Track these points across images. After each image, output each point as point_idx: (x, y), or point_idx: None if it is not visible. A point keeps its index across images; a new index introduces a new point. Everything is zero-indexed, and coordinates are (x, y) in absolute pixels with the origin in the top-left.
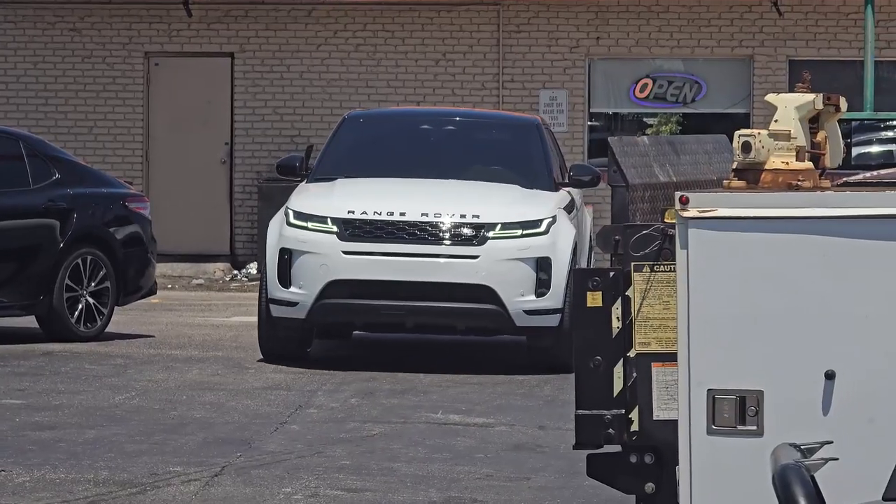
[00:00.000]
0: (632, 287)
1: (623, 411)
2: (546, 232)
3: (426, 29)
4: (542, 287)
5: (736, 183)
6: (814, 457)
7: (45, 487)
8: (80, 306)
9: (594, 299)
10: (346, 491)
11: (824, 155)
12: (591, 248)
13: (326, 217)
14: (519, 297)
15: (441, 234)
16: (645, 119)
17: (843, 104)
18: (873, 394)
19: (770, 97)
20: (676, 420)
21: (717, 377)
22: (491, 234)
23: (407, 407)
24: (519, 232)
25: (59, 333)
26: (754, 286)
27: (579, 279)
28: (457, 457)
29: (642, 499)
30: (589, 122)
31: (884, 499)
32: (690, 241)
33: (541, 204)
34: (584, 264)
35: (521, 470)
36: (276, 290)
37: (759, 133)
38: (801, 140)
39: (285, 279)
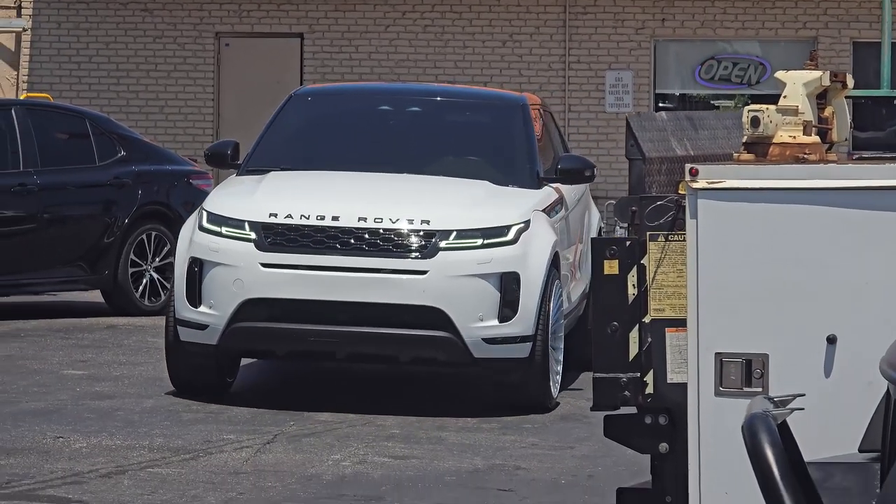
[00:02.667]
0: (647, 256)
1: (638, 374)
2: (514, 241)
3: (493, 10)
4: (507, 309)
5: (745, 156)
6: (784, 408)
7: (101, 453)
8: (144, 281)
9: (611, 267)
10: (392, 458)
11: (831, 129)
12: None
13: (244, 221)
14: (477, 323)
15: (382, 244)
16: (711, 101)
17: (850, 81)
18: (872, 358)
19: (779, 74)
20: (683, 383)
21: (724, 341)
22: (444, 243)
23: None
24: (479, 241)
25: (124, 308)
26: (760, 255)
27: (598, 248)
28: (504, 427)
29: (656, 458)
30: (661, 104)
31: (859, 450)
32: (700, 211)
33: (512, 205)
34: (586, 273)
35: (566, 439)
36: (183, 309)
37: (767, 108)
38: (809, 115)
39: (194, 296)
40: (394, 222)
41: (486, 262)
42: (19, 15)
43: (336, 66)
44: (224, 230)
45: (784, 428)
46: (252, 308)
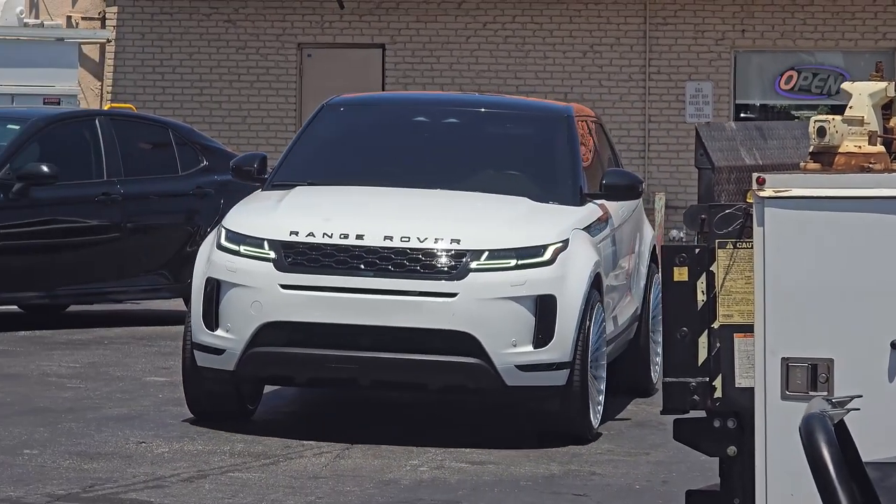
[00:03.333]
0: (716, 263)
1: (707, 379)
2: (551, 261)
3: (574, 21)
4: (542, 335)
5: (811, 165)
6: (841, 408)
7: (182, 458)
8: None
9: (680, 274)
10: (470, 463)
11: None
12: (650, 272)
13: (263, 240)
14: (510, 349)
15: (409, 265)
16: (792, 112)
17: None
18: None
19: (845, 85)
20: (751, 387)
21: (790, 346)
22: (475, 264)
23: None
24: (513, 262)
25: None
26: (825, 261)
27: (668, 255)
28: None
29: (725, 461)
30: (741, 115)
31: None
32: (766, 218)
33: (550, 223)
34: (637, 294)
35: (641, 445)
36: (200, 333)
37: (833, 119)
38: (874, 125)
39: (211, 319)
40: (422, 241)
41: (521, 283)
42: (103, 26)
43: (417, 77)
44: (242, 249)
45: (842, 428)
46: (271, 332)
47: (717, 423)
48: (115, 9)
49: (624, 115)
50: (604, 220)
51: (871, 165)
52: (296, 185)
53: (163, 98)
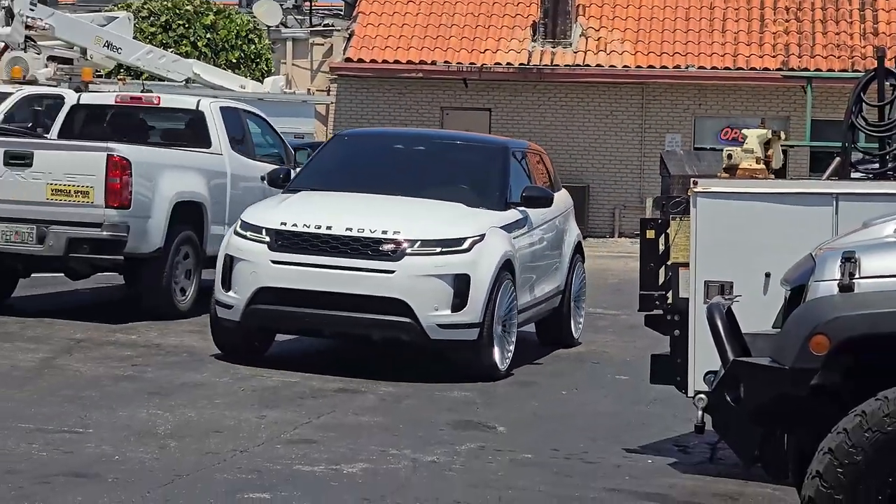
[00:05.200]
0: (670, 228)
1: (664, 292)
2: (468, 250)
3: (595, 101)
4: (458, 302)
5: (723, 175)
6: (729, 301)
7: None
8: None
9: (650, 234)
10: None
11: (770, 161)
12: (574, 257)
13: (262, 228)
14: (433, 312)
15: (361, 249)
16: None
17: (783, 135)
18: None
19: (745, 130)
20: (687, 297)
21: (708, 274)
22: (409, 250)
23: None
24: (438, 249)
25: None
26: (728, 228)
27: (643, 223)
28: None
29: (672, 339)
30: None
31: (772, 327)
32: (698, 204)
33: (472, 223)
34: (561, 275)
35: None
36: (219, 293)
37: (736, 150)
38: (759, 153)
39: (227, 283)
40: (372, 232)
41: (442, 265)
42: (328, 94)
43: (512, 130)
44: (248, 234)
45: (730, 312)
46: (264, 294)
47: (668, 318)
48: (335, 86)
49: (630, 150)
50: (523, 223)
51: (755, 176)
52: (301, 191)
53: None
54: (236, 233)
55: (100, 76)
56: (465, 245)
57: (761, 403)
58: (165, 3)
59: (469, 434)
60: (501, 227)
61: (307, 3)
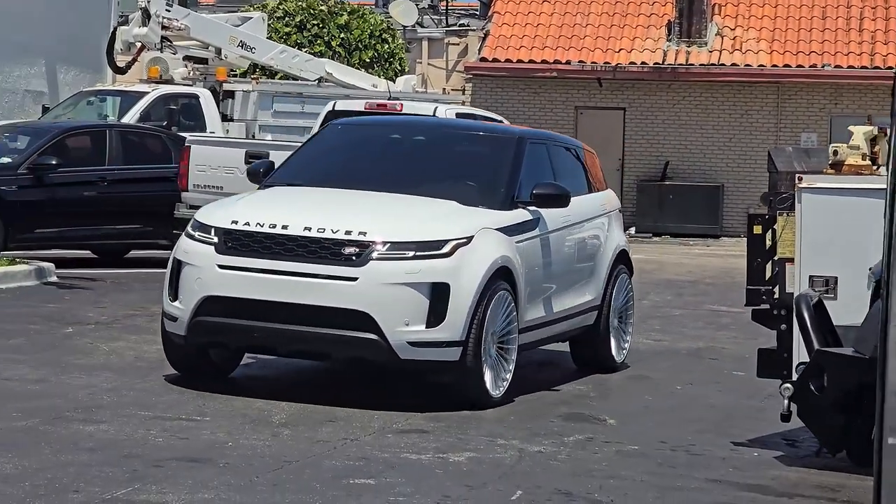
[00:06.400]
0: (777, 223)
1: (770, 287)
2: (449, 254)
3: (730, 100)
4: (435, 316)
5: (829, 171)
6: (817, 294)
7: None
8: None
9: (757, 229)
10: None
11: (877, 157)
12: (616, 268)
13: (211, 227)
14: (402, 327)
15: (320, 252)
16: None
17: (888, 131)
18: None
19: (850, 126)
20: (793, 292)
21: (813, 269)
22: (375, 253)
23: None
24: (411, 253)
25: None
26: (835, 224)
27: (751, 219)
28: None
29: (779, 333)
30: None
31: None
32: (803, 199)
33: (459, 223)
34: (596, 288)
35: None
36: (166, 303)
37: (842, 146)
38: (865, 150)
39: (173, 291)
40: (334, 233)
41: (415, 272)
42: (463, 93)
43: (643, 128)
44: (197, 235)
45: (819, 304)
46: (210, 305)
47: (775, 312)
48: (470, 85)
49: (764, 150)
50: (531, 224)
51: (861, 172)
52: (275, 186)
53: None
54: (186, 233)
55: (234, 75)
56: (446, 249)
57: (844, 392)
58: (300, 3)
59: (579, 426)
60: (499, 229)
61: (443, 3)
